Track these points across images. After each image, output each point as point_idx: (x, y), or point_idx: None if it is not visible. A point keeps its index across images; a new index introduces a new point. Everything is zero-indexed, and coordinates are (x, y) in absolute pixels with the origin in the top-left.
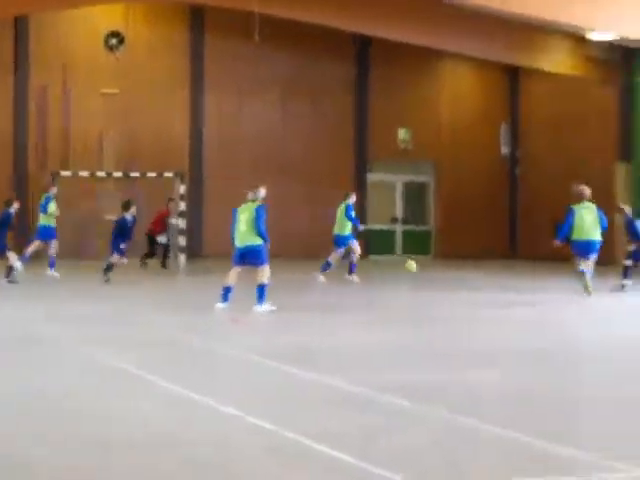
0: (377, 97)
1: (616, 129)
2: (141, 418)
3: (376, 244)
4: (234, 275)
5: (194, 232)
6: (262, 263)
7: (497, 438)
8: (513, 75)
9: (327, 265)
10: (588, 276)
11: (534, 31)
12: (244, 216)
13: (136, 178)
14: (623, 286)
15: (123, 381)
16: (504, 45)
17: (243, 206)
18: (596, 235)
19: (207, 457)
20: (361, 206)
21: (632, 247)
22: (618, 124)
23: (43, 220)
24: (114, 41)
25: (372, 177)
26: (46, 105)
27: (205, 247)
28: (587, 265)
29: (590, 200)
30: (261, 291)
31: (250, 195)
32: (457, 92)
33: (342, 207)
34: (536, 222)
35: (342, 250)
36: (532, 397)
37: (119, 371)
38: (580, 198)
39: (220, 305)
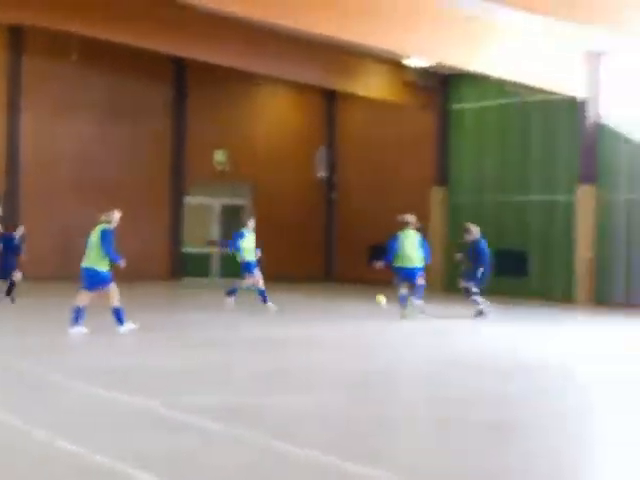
0: (195, 119)
1: (433, 155)
2: None
3: (192, 267)
4: (85, 297)
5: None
6: (102, 286)
7: (311, 461)
8: (331, 99)
9: (263, 293)
10: (406, 302)
11: (351, 56)
12: (92, 238)
13: None
14: (481, 311)
15: None
16: (321, 69)
17: (95, 229)
18: (417, 262)
19: None
20: (178, 229)
21: (466, 268)
22: (435, 150)
23: None
24: None
25: (190, 200)
26: None
27: (24, 268)
28: (406, 289)
29: (415, 228)
30: (116, 313)
31: (103, 217)
32: (275, 115)
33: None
34: (352, 246)
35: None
36: (347, 420)
37: None
38: (404, 226)
39: (73, 329)
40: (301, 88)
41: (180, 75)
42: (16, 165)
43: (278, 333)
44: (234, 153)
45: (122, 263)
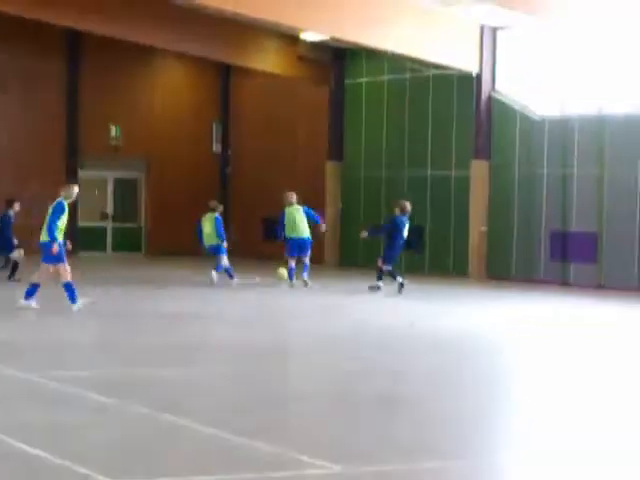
0: (88, 92)
1: (326, 129)
2: None
3: (86, 241)
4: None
5: None
6: (56, 262)
7: (195, 434)
8: (225, 73)
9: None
10: (294, 275)
11: (246, 29)
12: (47, 213)
13: None
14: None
15: None
16: (216, 43)
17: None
18: (306, 233)
19: None
20: (73, 203)
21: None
22: (329, 124)
23: None
24: None
25: (83, 174)
26: None
27: None
28: (294, 262)
29: (298, 203)
30: (67, 288)
31: (62, 193)
32: (170, 89)
33: (211, 218)
34: (246, 221)
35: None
36: (233, 394)
37: None
38: (289, 202)
39: (23, 302)
40: (197, 62)
41: (73, 46)
42: None
43: (173, 308)
44: (128, 127)
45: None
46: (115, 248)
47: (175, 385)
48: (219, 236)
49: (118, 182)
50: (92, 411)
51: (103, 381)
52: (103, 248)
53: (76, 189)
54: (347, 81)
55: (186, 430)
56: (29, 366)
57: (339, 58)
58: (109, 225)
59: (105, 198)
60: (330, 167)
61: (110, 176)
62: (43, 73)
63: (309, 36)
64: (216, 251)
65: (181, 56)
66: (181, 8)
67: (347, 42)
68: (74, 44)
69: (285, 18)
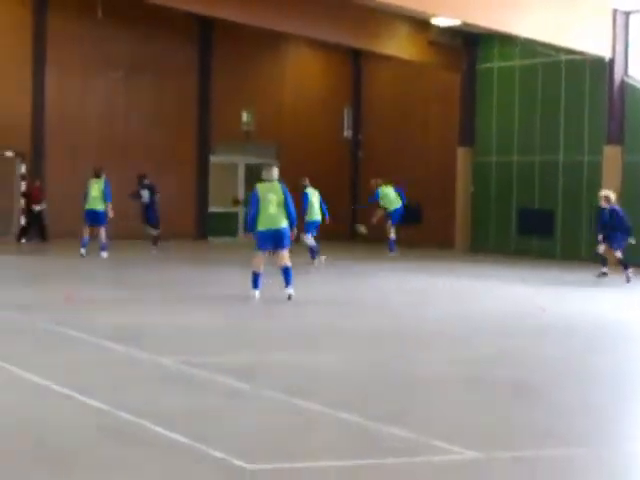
0: (220, 78)
1: (457, 114)
2: None
3: (217, 226)
4: (261, 259)
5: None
6: (288, 244)
7: (330, 419)
8: (356, 59)
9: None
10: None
11: (378, 15)
12: (272, 196)
13: None
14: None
15: None
16: (348, 28)
17: (264, 186)
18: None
19: (42, 439)
20: (204, 188)
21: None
22: (460, 109)
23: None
24: None
25: (215, 159)
26: None
27: (50, 228)
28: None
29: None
30: (288, 272)
31: (266, 174)
32: (301, 75)
33: (316, 193)
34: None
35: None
36: (366, 380)
37: None
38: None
39: (252, 292)
40: (327, 48)
41: (206, 33)
42: (41, 123)
43: (302, 294)
44: (260, 113)
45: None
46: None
47: (309, 370)
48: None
49: (249, 168)
50: (227, 396)
51: (238, 366)
52: (234, 233)
53: (275, 171)
54: (478, 66)
55: (320, 415)
56: (166, 351)
57: (470, 43)
58: (240, 210)
59: (236, 183)
60: (461, 152)
61: (241, 161)
62: (176, 60)
63: (440, 21)
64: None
65: (312, 42)
66: None
67: (478, 27)
68: (206, 31)
69: (417, 3)
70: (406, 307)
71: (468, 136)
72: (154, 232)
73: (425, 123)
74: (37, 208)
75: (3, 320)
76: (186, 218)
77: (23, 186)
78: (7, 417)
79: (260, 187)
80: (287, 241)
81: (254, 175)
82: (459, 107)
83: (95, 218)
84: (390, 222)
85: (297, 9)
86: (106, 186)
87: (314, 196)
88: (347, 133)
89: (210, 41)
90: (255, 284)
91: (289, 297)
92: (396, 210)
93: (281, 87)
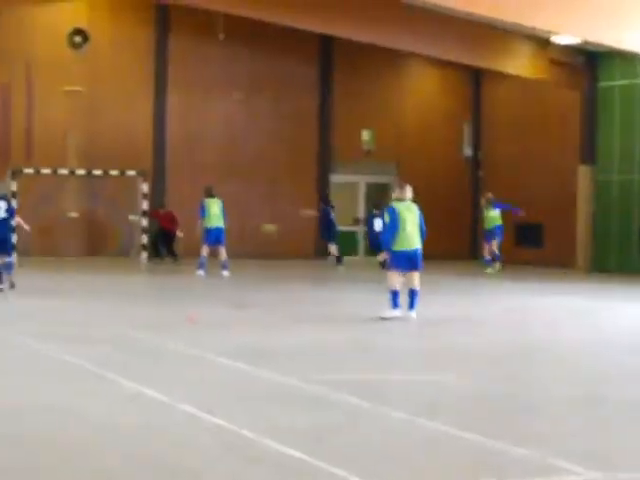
0: (341, 98)
1: (578, 132)
2: (97, 416)
3: (339, 244)
4: (398, 278)
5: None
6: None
7: (452, 439)
8: (476, 77)
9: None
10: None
11: (498, 33)
12: (410, 216)
13: (99, 176)
14: None
15: (80, 378)
16: (468, 47)
17: (402, 205)
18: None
19: (165, 456)
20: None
21: None
22: (580, 128)
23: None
24: (78, 39)
25: (335, 177)
26: (9, 102)
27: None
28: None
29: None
30: (415, 295)
31: (402, 194)
32: (420, 93)
33: (220, 203)
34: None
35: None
36: (489, 399)
37: (76, 368)
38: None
39: (393, 312)
40: (447, 65)
41: (326, 53)
42: (162, 143)
43: (426, 312)
44: (380, 131)
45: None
46: (367, 252)
47: (431, 390)
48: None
49: (369, 186)
50: (349, 414)
51: (360, 385)
52: (355, 252)
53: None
54: (599, 84)
55: (443, 435)
56: (287, 369)
57: (591, 61)
58: (361, 229)
59: (357, 202)
60: (582, 170)
61: (361, 180)
62: (296, 79)
63: (561, 39)
64: None
65: (431, 60)
66: (432, 13)
67: (600, 45)
68: (327, 49)
69: (539, 22)
70: (527, 325)
71: (589, 154)
72: (333, 249)
73: (545, 141)
74: (181, 235)
75: (127, 339)
76: (306, 237)
77: (145, 205)
78: (128, 434)
79: (398, 206)
80: (421, 263)
81: (374, 194)
82: (580, 125)
83: (218, 237)
84: (488, 240)
85: (417, 28)
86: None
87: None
88: (467, 151)
89: (330, 60)
90: (395, 303)
91: (409, 318)
92: (496, 227)
93: (401, 105)
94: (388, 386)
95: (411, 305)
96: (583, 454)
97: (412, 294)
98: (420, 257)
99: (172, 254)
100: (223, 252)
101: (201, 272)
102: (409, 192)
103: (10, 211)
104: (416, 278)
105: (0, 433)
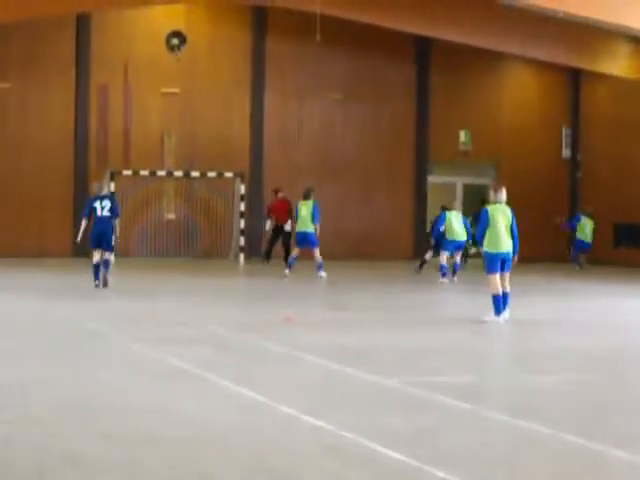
0: (438, 99)
1: None
2: (198, 416)
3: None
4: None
5: (253, 232)
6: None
7: (553, 440)
8: (575, 78)
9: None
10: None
11: (597, 34)
12: (502, 218)
13: (196, 178)
14: None
15: (181, 380)
16: (566, 48)
17: (494, 207)
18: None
19: (265, 458)
20: (421, 208)
21: None
22: None
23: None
24: (175, 41)
25: (432, 179)
26: (107, 104)
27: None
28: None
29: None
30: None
31: (497, 196)
32: (518, 94)
33: (310, 205)
34: (598, 226)
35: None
36: (588, 400)
37: (177, 369)
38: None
39: (494, 317)
40: (545, 66)
41: (423, 54)
42: (259, 144)
43: (520, 314)
44: (478, 132)
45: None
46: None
47: (530, 392)
48: None
49: (467, 187)
50: (449, 416)
51: (458, 387)
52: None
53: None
54: None
55: (543, 437)
56: (387, 371)
57: None
58: None
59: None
60: None
61: (459, 181)
62: (393, 80)
63: None
64: None
65: (529, 61)
66: (528, 13)
67: None
68: (424, 50)
69: (637, 21)
70: (627, 327)
71: None
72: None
73: None
74: (287, 228)
75: (225, 340)
76: (403, 238)
77: (242, 206)
78: (229, 435)
79: (490, 208)
80: (510, 265)
81: (472, 195)
82: None
83: (305, 239)
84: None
85: (515, 29)
86: (315, 208)
87: (456, 218)
88: (565, 153)
89: (428, 61)
90: (498, 309)
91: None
92: (581, 241)
93: (499, 106)
94: (488, 388)
95: (503, 307)
96: None
97: (504, 296)
98: (510, 259)
99: (267, 253)
100: (316, 254)
101: (286, 271)
102: (504, 195)
103: (113, 210)
104: (506, 280)
105: (105, 432)
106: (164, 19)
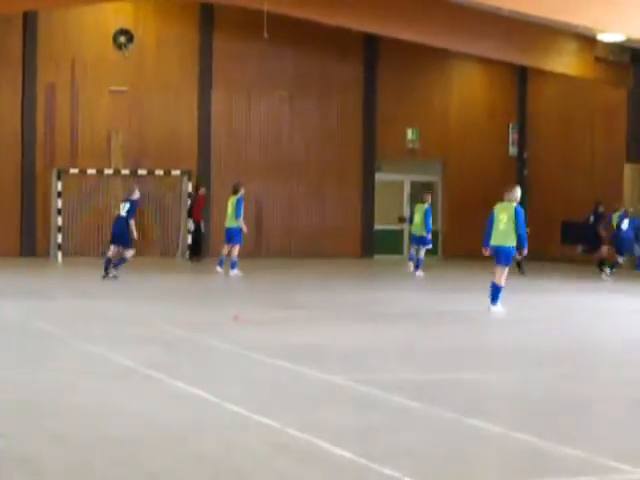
0: (385, 96)
1: (624, 130)
2: (148, 415)
3: (383, 244)
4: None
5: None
6: (506, 262)
7: (501, 438)
8: (522, 76)
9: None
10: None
11: (543, 32)
12: (503, 216)
13: (144, 176)
14: None
15: (130, 379)
16: (513, 46)
17: (500, 205)
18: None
19: (215, 456)
20: (369, 206)
21: None
22: (627, 125)
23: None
24: (123, 39)
25: (380, 176)
26: (54, 102)
27: (211, 246)
28: None
29: None
30: (498, 291)
31: (506, 196)
32: (465, 92)
33: (234, 200)
34: (544, 224)
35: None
36: (537, 398)
37: (126, 369)
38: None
39: (494, 307)
40: (491, 64)
41: (370, 51)
42: (207, 142)
43: (470, 310)
44: (425, 129)
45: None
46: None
47: (476, 389)
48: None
49: (414, 185)
50: (397, 414)
51: (406, 384)
52: (400, 251)
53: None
54: None
55: (492, 435)
56: (335, 369)
57: (637, 59)
58: (406, 228)
59: (402, 201)
60: (628, 169)
61: (406, 179)
62: (340, 77)
63: (607, 37)
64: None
65: (476, 58)
66: (476, 11)
67: None
68: (371, 48)
69: (585, 20)
70: (579, 324)
71: (635, 152)
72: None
73: (591, 140)
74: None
75: (176, 339)
76: (351, 236)
77: (188, 204)
78: (177, 433)
79: (496, 206)
80: (504, 260)
81: (419, 192)
82: (626, 123)
83: (228, 236)
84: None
85: (462, 26)
86: (238, 203)
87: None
88: (512, 150)
89: (375, 58)
90: (495, 298)
91: (489, 309)
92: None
93: (446, 103)
94: (438, 386)
95: (492, 299)
96: (632, 453)
97: (492, 288)
98: (505, 254)
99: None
100: (233, 251)
101: (218, 269)
102: (515, 194)
103: (130, 212)
104: (498, 273)
105: (50, 432)
106: (111, 17)
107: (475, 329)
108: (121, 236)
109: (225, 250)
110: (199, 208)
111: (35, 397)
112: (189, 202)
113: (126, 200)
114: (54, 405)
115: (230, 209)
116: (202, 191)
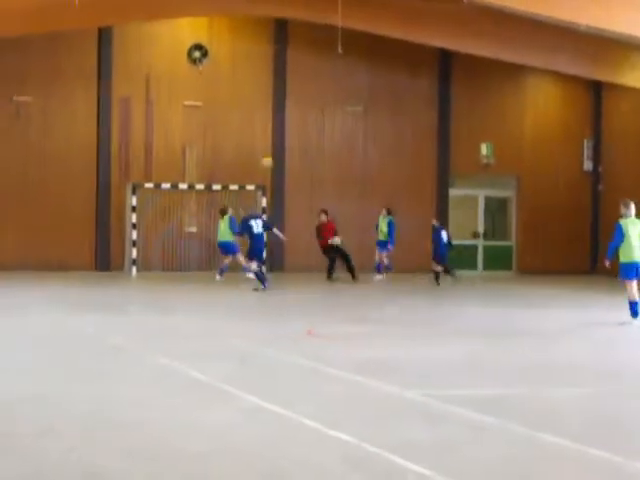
0: (459, 111)
1: None
2: (221, 430)
3: (458, 259)
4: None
5: (275, 246)
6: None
7: (575, 453)
8: (597, 91)
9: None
10: None
11: (619, 46)
12: (636, 230)
13: (218, 191)
14: None
15: (203, 393)
16: (588, 60)
17: (630, 220)
18: None
19: (288, 471)
20: (444, 220)
21: None
22: None
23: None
24: (197, 54)
25: (454, 192)
26: (129, 117)
27: (286, 261)
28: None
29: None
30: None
31: (623, 211)
32: (540, 107)
33: (227, 220)
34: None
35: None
36: (609, 413)
37: (199, 383)
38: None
39: (633, 320)
40: (567, 79)
41: (445, 66)
42: (281, 157)
43: (544, 326)
44: (499, 145)
45: None
46: (486, 266)
47: (553, 405)
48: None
49: (489, 200)
50: (472, 429)
51: (480, 399)
52: (474, 266)
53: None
54: None
55: (566, 450)
56: (403, 383)
57: None
58: (480, 243)
59: (476, 216)
60: None
61: (481, 194)
62: (414, 92)
63: None
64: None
65: (551, 73)
66: (551, 26)
67: None
68: (445, 63)
69: None
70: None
71: None
72: (438, 268)
73: None
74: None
75: (249, 353)
76: (424, 251)
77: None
78: (249, 449)
79: (624, 222)
80: None
81: (494, 207)
82: None
83: (224, 248)
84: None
85: (537, 42)
86: (231, 221)
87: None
88: (587, 165)
89: (449, 73)
90: (635, 313)
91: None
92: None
93: (520, 119)
94: (511, 401)
95: (634, 314)
96: None
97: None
98: None
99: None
100: (226, 261)
101: (217, 277)
102: (633, 209)
103: (266, 227)
104: (635, 288)
105: (120, 446)
106: (186, 32)
107: (545, 344)
108: (260, 252)
109: (227, 261)
110: (329, 233)
111: (106, 411)
112: (264, 216)
113: (255, 217)
114: (125, 419)
115: (223, 226)
116: (325, 217)
